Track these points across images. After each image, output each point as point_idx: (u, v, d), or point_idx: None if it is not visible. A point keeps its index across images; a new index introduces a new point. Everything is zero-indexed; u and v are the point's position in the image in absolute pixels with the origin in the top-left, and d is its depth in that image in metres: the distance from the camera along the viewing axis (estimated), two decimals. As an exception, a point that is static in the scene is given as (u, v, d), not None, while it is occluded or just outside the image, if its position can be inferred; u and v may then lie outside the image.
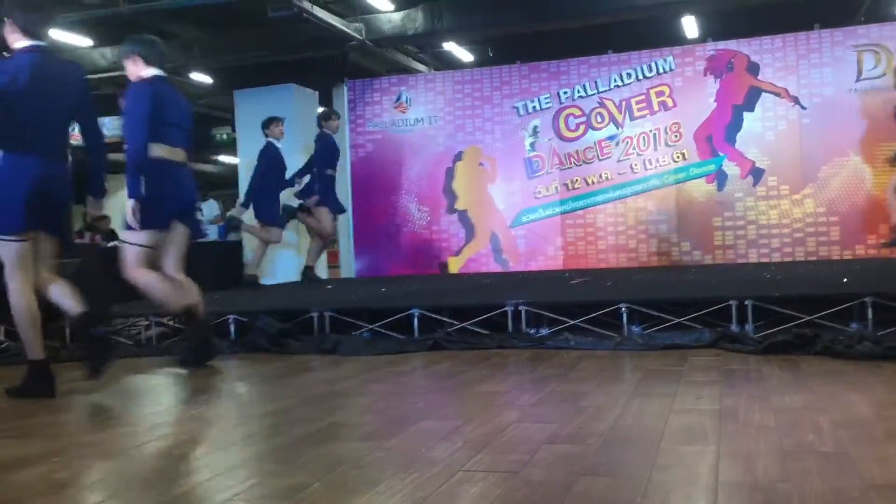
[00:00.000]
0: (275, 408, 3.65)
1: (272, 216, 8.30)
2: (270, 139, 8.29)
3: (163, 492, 2.39)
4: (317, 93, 10.23)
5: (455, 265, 9.41)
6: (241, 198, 8.51)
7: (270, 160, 8.24)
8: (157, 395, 4.38)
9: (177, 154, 4.77)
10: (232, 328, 5.65)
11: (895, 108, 7.36)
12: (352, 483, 2.38)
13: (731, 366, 4.02)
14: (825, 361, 4.01)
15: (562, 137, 9.11)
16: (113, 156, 18.14)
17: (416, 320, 5.36)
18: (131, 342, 5.89)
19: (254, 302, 6.38)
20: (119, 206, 17.19)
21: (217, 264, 9.50)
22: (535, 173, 9.18)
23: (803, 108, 8.41)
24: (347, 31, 9.08)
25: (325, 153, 8.35)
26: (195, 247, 10.16)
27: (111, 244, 10.64)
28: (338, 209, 8.53)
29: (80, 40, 9.94)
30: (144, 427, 3.44)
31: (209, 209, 11.09)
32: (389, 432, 3.00)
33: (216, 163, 20.79)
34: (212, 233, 10.79)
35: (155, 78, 4.73)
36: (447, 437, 2.84)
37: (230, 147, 14.92)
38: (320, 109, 9.27)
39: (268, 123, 8.33)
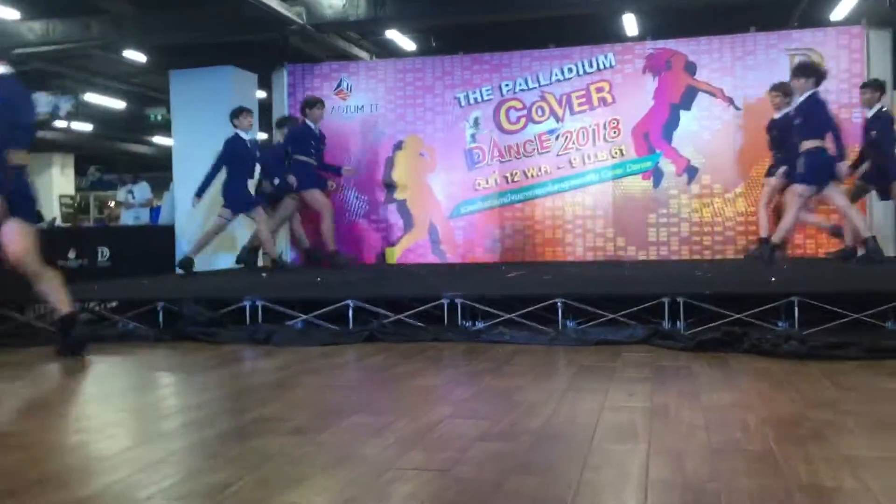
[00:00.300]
0: (203, 399, 3.56)
1: (247, 203, 8.03)
2: (238, 130, 8.04)
3: (75, 489, 2.29)
4: (256, 76, 10.02)
5: (393, 255, 9.35)
6: (196, 189, 8.12)
7: (236, 152, 7.98)
8: (80, 384, 4.23)
9: (20, 157, 4.59)
10: (160, 315, 5.50)
11: (770, 121, 7.61)
12: (279, 480, 2.32)
13: (663, 362, 4.07)
14: (753, 359, 4.09)
15: (502, 130, 9.11)
16: (39, 133, 17.42)
17: (351, 311, 5.30)
18: (54, 329, 5.68)
19: (183, 289, 6.23)
20: (45, 185, 16.49)
21: (147, 249, 9.27)
22: (476, 165, 9.17)
23: (738, 108, 8.57)
24: (288, 14, 8.90)
25: (292, 142, 8.25)
26: (126, 231, 9.95)
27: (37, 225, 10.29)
28: (316, 185, 8.39)
29: (7, 12, 9.55)
30: (65, 418, 3.32)
31: (141, 192, 10.77)
32: (320, 427, 2.95)
33: (149, 144, 20.26)
34: (143, 216, 10.50)
35: (3, 76, 4.60)
36: (379, 433, 2.80)
37: (164, 128, 14.55)
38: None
39: (236, 114, 8.06)
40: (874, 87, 7.30)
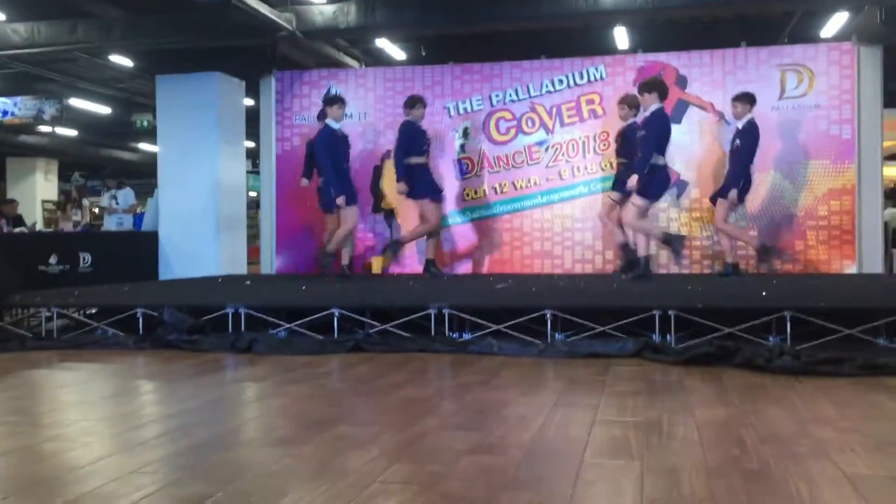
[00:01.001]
0: (181, 409, 3.44)
1: (349, 197, 7.75)
2: (328, 120, 7.78)
3: (43, 500, 2.18)
4: (243, 82, 9.92)
5: (379, 265, 9.24)
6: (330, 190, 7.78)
7: (329, 143, 7.71)
8: (56, 391, 4.10)
9: None
10: (140, 322, 5.37)
11: (617, 131, 7.96)
12: (257, 493, 2.22)
13: (654, 376, 3.99)
14: (745, 374, 4.02)
15: (492, 140, 9.04)
16: (23, 138, 17.28)
17: (336, 320, 5.20)
18: (31, 334, 5.55)
19: (165, 295, 6.10)
20: (28, 189, 16.36)
21: (130, 255, 9.14)
22: (464, 175, 9.09)
23: (728, 123, 8.53)
24: (277, 20, 8.81)
25: (405, 141, 7.94)
26: (108, 237, 9.81)
27: (17, 230, 10.14)
28: (429, 195, 8.00)
29: (-9, 14, 9.42)
30: (39, 426, 3.20)
31: (125, 198, 10.62)
32: (302, 438, 2.84)
33: (135, 150, 20.11)
34: (126, 222, 10.36)
35: None
36: (363, 445, 2.70)
37: (150, 135, 14.41)
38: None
39: (329, 102, 7.82)
40: (745, 100, 7.63)
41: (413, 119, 8.04)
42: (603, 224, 8.25)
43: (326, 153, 7.72)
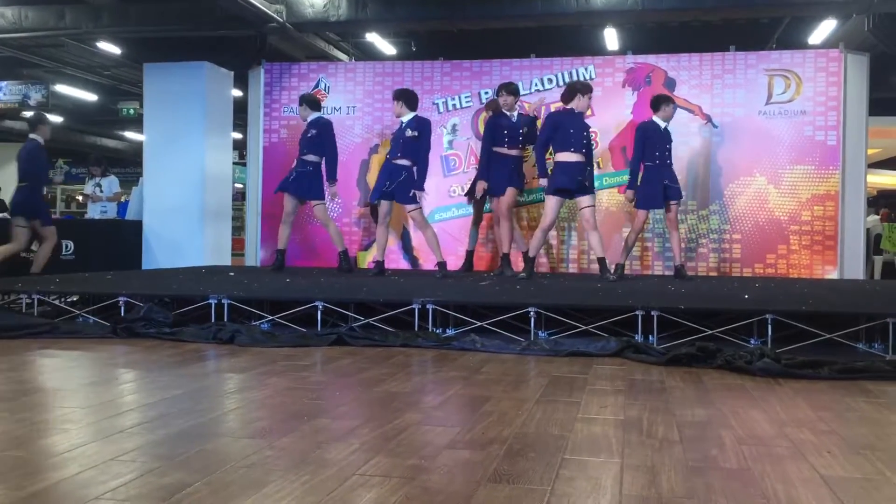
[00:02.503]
0: (160, 398, 3.42)
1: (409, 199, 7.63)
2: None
3: (18, 486, 2.16)
4: (231, 73, 9.89)
5: (364, 259, 9.23)
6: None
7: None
8: (34, 377, 4.07)
9: None
10: (122, 311, 5.34)
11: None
12: (236, 484, 2.21)
13: (636, 376, 4.01)
14: (726, 375, 4.04)
15: (480, 137, 9.04)
16: (8, 123, 17.17)
17: (319, 313, 5.18)
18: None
19: (148, 285, 6.07)
20: (12, 175, 16.19)
21: (113, 244, 9.09)
22: (451, 172, 9.09)
23: (715, 126, 8.58)
24: (267, 11, 8.78)
25: (488, 132, 7.83)
26: (91, 224, 9.75)
27: (0, 216, 10.04)
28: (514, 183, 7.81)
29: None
30: (15, 412, 3.17)
31: (109, 186, 10.55)
32: (281, 430, 2.83)
33: (121, 139, 19.98)
34: (110, 210, 10.29)
35: None
36: (343, 438, 2.70)
37: (136, 123, 14.32)
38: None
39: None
40: (574, 90, 7.28)
41: (504, 110, 7.87)
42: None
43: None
